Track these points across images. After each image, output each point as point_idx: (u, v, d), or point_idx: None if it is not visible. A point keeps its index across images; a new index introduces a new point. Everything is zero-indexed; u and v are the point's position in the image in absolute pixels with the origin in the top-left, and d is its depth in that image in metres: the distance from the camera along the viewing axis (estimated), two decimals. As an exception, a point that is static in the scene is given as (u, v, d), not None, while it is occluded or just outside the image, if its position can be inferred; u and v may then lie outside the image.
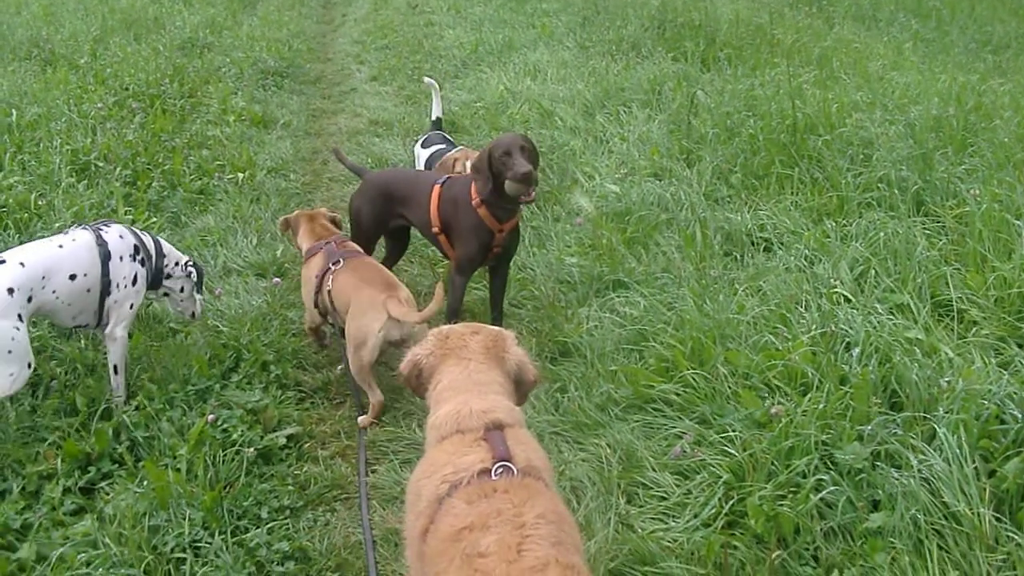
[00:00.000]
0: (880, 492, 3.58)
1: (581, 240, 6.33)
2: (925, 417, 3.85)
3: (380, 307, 4.54)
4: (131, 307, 4.65)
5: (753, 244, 5.95)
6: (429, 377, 2.97)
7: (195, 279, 5.01)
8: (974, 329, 4.65)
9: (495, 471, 2.50)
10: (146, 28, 13.53)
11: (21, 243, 5.27)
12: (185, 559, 3.61)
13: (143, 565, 3.53)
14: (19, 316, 4.08)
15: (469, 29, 14.33)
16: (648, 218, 6.32)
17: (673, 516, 3.80)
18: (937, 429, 3.71)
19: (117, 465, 4.21)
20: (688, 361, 4.55)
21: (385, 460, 4.39)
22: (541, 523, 2.32)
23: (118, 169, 7.60)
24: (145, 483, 3.96)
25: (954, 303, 4.84)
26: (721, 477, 3.82)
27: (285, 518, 3.97)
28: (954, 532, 3.38)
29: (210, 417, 4.34)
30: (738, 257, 5.75)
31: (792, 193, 6.44)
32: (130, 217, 6.72)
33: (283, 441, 4.41)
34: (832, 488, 3.59)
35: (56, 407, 4.55)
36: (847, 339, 4.54)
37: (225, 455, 4.17)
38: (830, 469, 3.71)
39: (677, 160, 7.40)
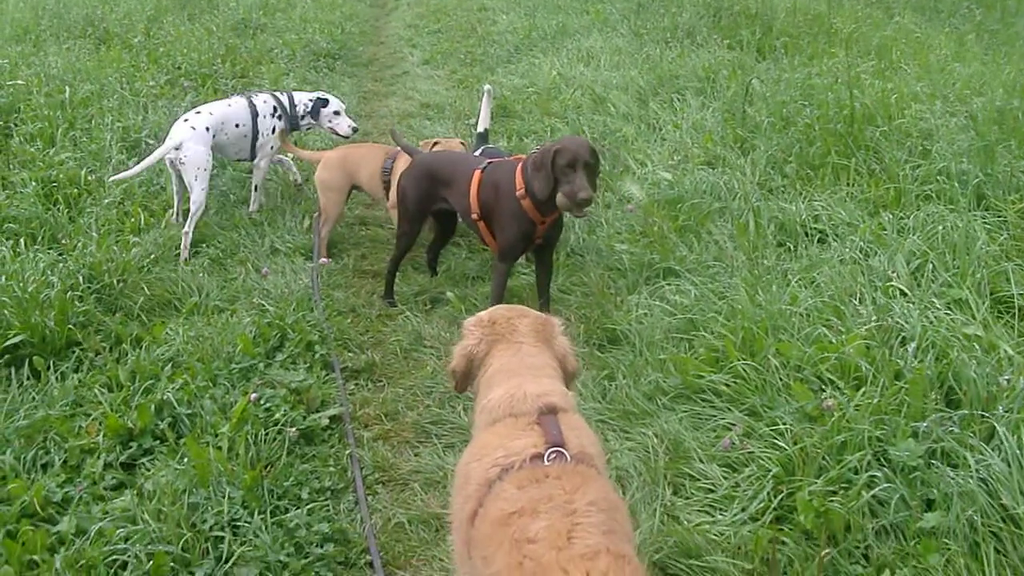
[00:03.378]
0: (935, 491, 3.47)
1: (632, 227, 6.26)
2: (983, 415, 3.73)
3: None
4: (271, 148, 6.97)
5: (807, 235, 5.82)
6: (479, 366, 2.92)
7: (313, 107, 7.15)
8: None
9: (547, 456, 2.44)
10: (200, 8, 13.59)
11: (70, 219, 5.86)
12: (223, 537, 3.59)
13: (181, 542, 3.51)
14: (209, 148, 6.43)
15: (523, 15, 14.25)
16: (700, 206, 6.22)
17: (720, 509, 3.73)
18: (996, 428, 3.59)
19: (159, 441, 4.19)
20: (739, 352, 4.47)
21: (428, 443, 4.35)
22: (592, 510, 2.26)
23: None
24: (185, 460, 3.95)
25: (1015, 300, 4.70)
26: (770, 471, 3.73)
27: (325, 499, 3.95)
28: (1012, 535, 3.28)
29: (253, 396, 4.33)
30: (791, 248, 5.63)
31: (848, 184, 6.31)
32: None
33: (325, 422, 4.38)
34: (885, 485, 3.49)
35: (101, 381, 4.56)
36: (902, 333, 4.43)
37: (267, 434, 4.15)
38: (883, 466, 3.61)
39: (731, 148, 7.29)
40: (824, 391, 4.11)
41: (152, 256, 5.90)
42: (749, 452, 3.86)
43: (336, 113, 7.17)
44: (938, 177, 5.97)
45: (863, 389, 4.00)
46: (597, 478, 2.45)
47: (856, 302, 4.80)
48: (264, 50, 11.53)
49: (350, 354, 5.11)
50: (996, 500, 3.39)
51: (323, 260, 5.87)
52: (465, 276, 5.96)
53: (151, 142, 7.64)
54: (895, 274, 5.01)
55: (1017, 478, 3.40)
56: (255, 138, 6.87)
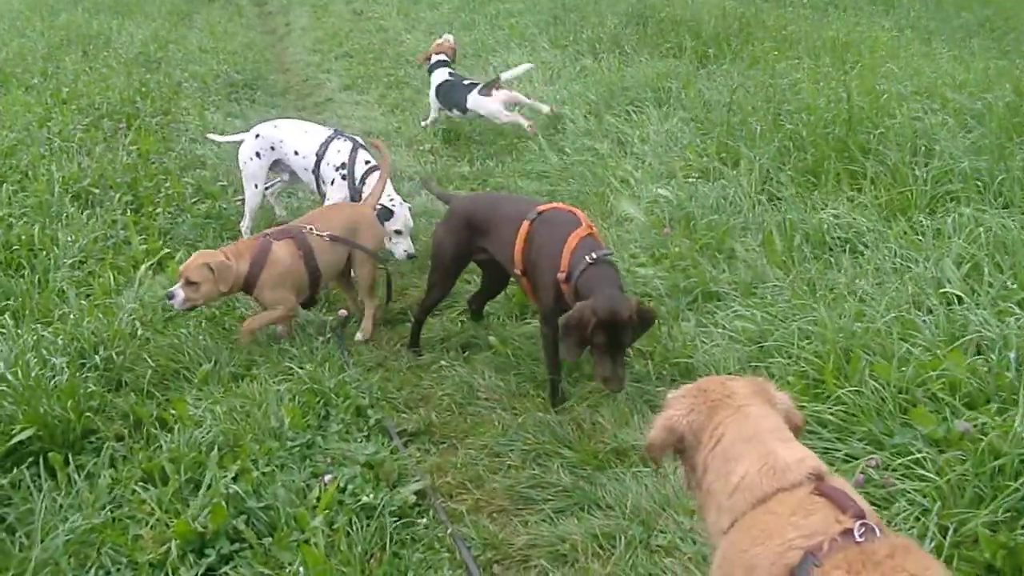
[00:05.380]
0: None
1: (648, 249, 6.02)
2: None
3: None
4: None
5: (830, 247, 5.69)
6: (696, 439, 2.62)
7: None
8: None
9: (858, 531, 2.17)
10: (93, 44, 12.86)
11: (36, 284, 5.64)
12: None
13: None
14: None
15: (427, 33, 13.97)
16: (718, 223, 6.03)
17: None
18: None
19: (238, 544, 3.69)
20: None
21: (532, 510, 3.99)
22: None
23: (118, 196, 7.08)
24: (273, 562, 3.52)
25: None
26: (923, 505, 3.53)
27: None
28: None
29: (327, 478, 3.94)
30: (828, 260, 5.48)
31: (852, 190, 6.22)
32: (145, 246, 6.25)
33: (413, 499, 3.98)
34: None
35: (137, 476, 4.06)
36: (986, 342, 4.32)
37: (359, 522, 3.74)
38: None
39: (716, 160, 7.15)
40: (938, 413, 3.94)
41: (144, 320, 5.37)
42: (896, 488, 3.65)
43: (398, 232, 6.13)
44: (949, 177, 5.92)
45: (1006, 410, 3.83)
46: (919, 550, 2.20)
47: (920, 312, 4.68)
48: (173, 84, 10.93)
49: (402, 415, 4.72)
50: None
51: (342, 312, 5.44)
52: (491, 315, 5.62)
53: (95, 191, 7.07)
54: (947, 280, 4.91)
55: None
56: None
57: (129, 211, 6.87)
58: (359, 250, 5.48)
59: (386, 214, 5.94)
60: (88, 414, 4.42)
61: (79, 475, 4.04)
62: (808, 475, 2.37)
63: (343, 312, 5.43)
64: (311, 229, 5.32)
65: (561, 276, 4.45)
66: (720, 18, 10.92)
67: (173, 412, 4.52)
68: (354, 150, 6.30)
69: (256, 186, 6.54)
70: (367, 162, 6.26)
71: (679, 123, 8.07)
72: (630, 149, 7.87)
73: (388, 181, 6.00)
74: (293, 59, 13.72)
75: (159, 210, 6.91)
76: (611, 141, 8.13)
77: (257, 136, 6.54)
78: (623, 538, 3.62)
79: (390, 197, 6.02)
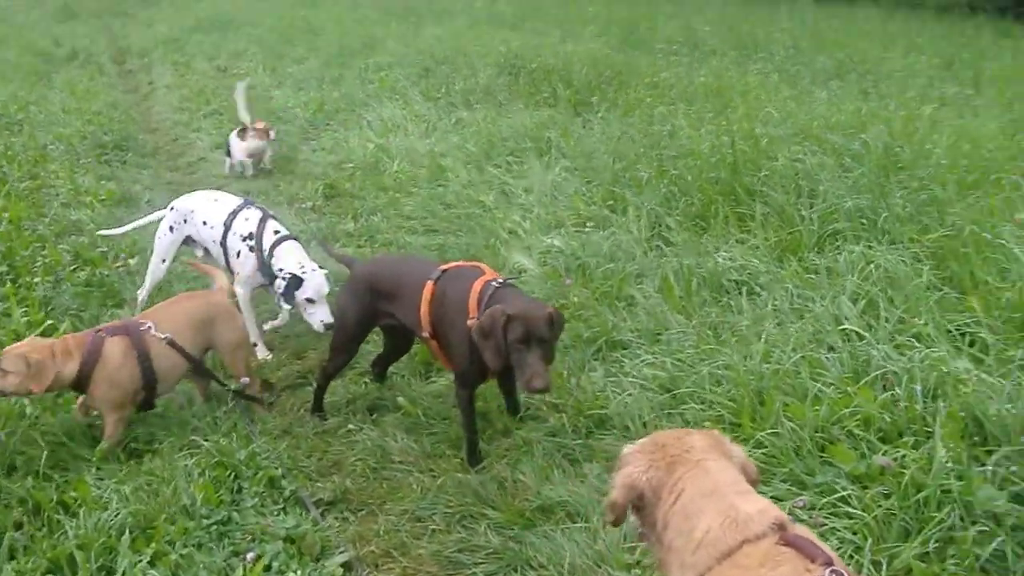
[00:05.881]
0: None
1: (547, 300, 5.98)
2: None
3: None
4: None
5: (727, 289, 5.78)
6: (656, 495, 2.57)
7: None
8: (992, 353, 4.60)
9: None
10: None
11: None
12: None
13: None
14: None
15: (296, 90, 13.85)
16: (614, 271, 6.07)
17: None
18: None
19: None
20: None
21: (464, 574, 3.87)
22: None
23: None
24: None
25: (966, 328, 4.80)
26: (854, 542, 3.57)
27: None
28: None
29: (250, 556, 3.75)
30: (725, 304, 5.56)
31: (741, 232, 6.35)
32: (27, 318, 5.91)
33: (340, 572, 3.81)
34: (999, 539, 3.39)
35: (43, 567, 3.77)
36: (889, 375, 4.42)
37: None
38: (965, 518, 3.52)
39: (604, 208, 7.22)
40: (856, 449, 4.00)
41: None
42: (827, 527, 3.67)
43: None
44: (834, 216, 6.10)
45: (903, 440, 3.92)
46: None
47: (823, 351, 4.77)
48: (39, 147, 10.50)
49: (316, 484, 4.52)
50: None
51: (245, 380, 5.21)
52: (394, 374, 5.50)
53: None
54: (844, 318, 5.03)
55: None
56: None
57: (8, 282, 6.51)
58: (218, 345, 5.14)
59: (295, 283, 5.54)
60: (-21, 503, 4.12)
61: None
62: (771, 525, 2.35)
63: (245, 380, 5.20)
64: (149, 327, 4.81)
65: (472, 322, 4.35)
66: (591, 66, 11.10)
67: (74, 495, 4.24)
68: (263, 220, 5.90)
69: (163, 261, 6.21)
70: (276, 232, 5.84)
71: (562, 172, 8.14)
72: (515, 200, 7.88)
73: (300, 247, 5.78)
74: (160, 118, 13.35)
75: (37, 279, 6.54)
76: (495, 192, 8.13)
77: (172, 209, 6.22)
78: (561, 598, 3.54)
79: (300, 264, 5.62)
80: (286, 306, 5.71)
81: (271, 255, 5.70)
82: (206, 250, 6.19)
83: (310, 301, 5.57)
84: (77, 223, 7.98)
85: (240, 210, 5.98)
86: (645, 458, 2.63)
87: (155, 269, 6.23)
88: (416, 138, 10.09)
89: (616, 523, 2.71)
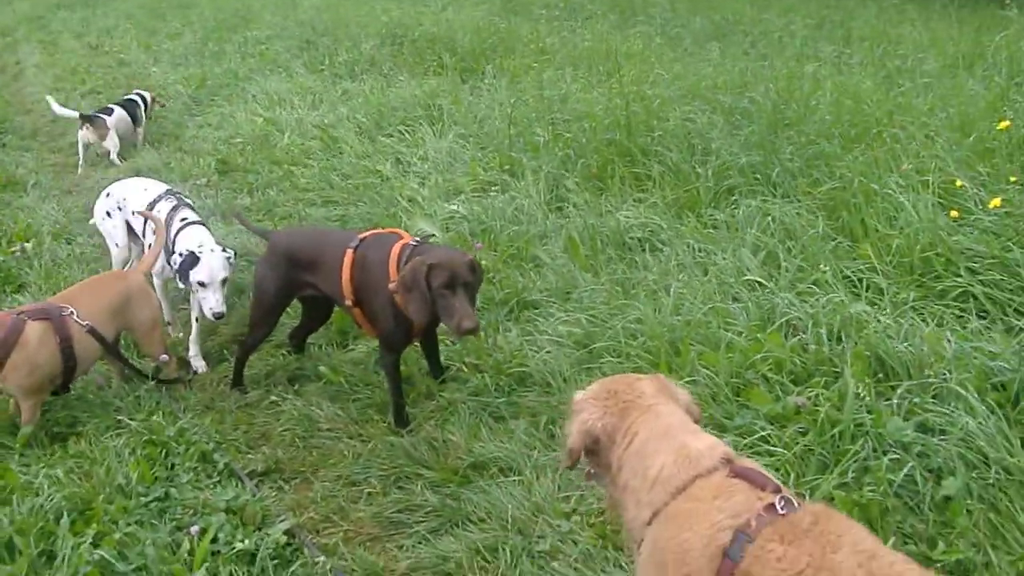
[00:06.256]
0: (937, 461, 3.64)
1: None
2: (930, 383, 3.97)
3: None
4: None
5: (629, 247, 5.93)
6: (610, 440, 2.69)
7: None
8: (887, 296, 4.85)
9: (779, 505, 2.30)
10: None
11: None
12: None
13: None
14: None
15: (174, 65, 13.53)
16: (518, 233, 6.16)
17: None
18: (962, 392, 3.81)
19: None
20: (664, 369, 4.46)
21: (406, 534, 3.91)
22: (884, 548, 2.22)
23: None
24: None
25: (860, 275, 5.04)
26: (778, 477, 3.74)
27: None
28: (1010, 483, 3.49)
29: (194, 529, 3.74)
30: (631, 261, 5.71)
31: (638, 191, 6.51)
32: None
33: (284, 539, 3.80)
34: (910, 464, 3.59)
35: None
36: (793, 321, 4.64)
37: (240, 569, 3.58)
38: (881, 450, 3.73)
39: (501, 172, 7.30)
40: (771, 392, 4.19)
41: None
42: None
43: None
44: (728, 173, 6.30)
45: (813, 380, 4.13)
46: (837, 513, 2.35)
47: (730, 302, 4.96)
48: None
49: (247, 456, 4.52)
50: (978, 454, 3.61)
51: (164, 357, 5.14)
52: (312, 344, 5.50)
53: None
54: (746, 269, 5.24)
55: (990, 431, 3.64)
56: None
57: None
58: (133, 327, 5.08)
59: (190, 261, 5.14)
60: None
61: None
62: (720, 460, 2.49)
63: (164, 357, 5.13)
64: (71, 312, 4.70)
65: (394, 286, 4.36)
66: (475, 34, 11.13)
67: (1, 482, 4.15)
68: (174, 209, 5.66)
69: (117, 244, 6.07)
70: (183, 219, 5.54)
71: (456, 139, 8.19)
72: (411, 168, 7.91)
73: (207, 233, 5.50)
74: (34, 99, 12.83)
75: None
76: (390, 161, 8.13)
77: (108, 195, 6.10)
78: (505, 549, 3.63)
79: (199, 242, 5.28)
80: (181, 286, 5.36)
81: (175, 240, 5.46)
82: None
83: (201, 284, 5.11)
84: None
85: (158, 201, 5.79)
86: (599, 405, 2.73)
87: (117, 254, 6.11)
88: (304, 111, 9.99)
89: (572, 467, 2.81)
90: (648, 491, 2.52)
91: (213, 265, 5.13)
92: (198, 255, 5.16)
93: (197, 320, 5.50)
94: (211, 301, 5.10)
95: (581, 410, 2.75)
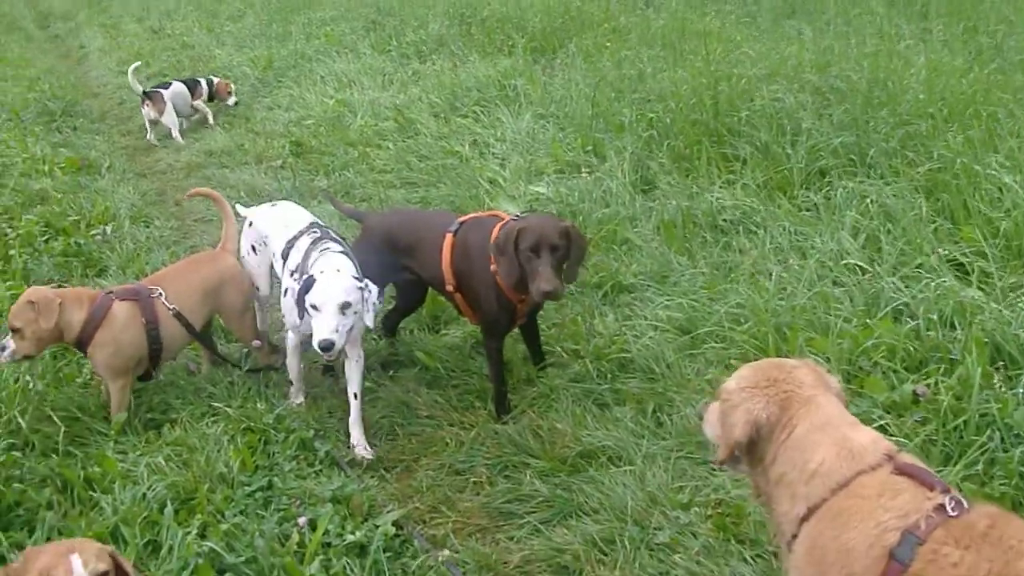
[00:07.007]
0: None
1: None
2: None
3: None
4: None
5: (723, 230, 5.84)
6: (769, 431, 2.60)
7: None
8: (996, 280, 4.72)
9: (950, 506, 2.23)
10: None
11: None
12: None
13: None
14: None
15: (237, 47, 13.58)
16: (608, 215, 6.09)
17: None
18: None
19: None
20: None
21: (518, 524, 3.86)
22: None
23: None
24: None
25: (963, 260, 4.92)
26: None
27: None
28: None
29: (302, 520, 3.71)
30: (726, 244, 5.62)
31: (727, 172, 6.41)
32: (11, 292, 5.72)
33: (393, 530, 3.75)
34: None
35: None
36: (900, 307, 4.54)
37: (353, 562, 3.54)
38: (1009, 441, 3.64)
39: (583, 153, 7.23)
40: (886, 379, 4.10)
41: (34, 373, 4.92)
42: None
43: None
44: (820, 153, 6.18)
45: (928, 368, 4.03)
46: (1014, 516, 2.28)
47: (834, 286, 4.87)
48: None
49: (346, 445, 4.49)
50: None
51: (256, 343, 5.12)
52: (403, 329, 5.45)
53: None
54: (847, 253, 5.13)
55: None
56: None
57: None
58: (224, 311, 4.99)
59: (307, 285, 4.26)
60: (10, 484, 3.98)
61: (16, 554, 3.65)
62: (884, 455, 2.41)
63: (256, 343, 5.12)
64: (160, 294, 4.64)
65: (495, 268, 4.35)
66: (545, 13, 11.02)
67: (98, 470, 4.14)
68: (314, 243, 4.67)
69: (259, 289, 5.20)
70: (324, 249, 4.60)
71: (533, 119, 8.11)
72: (489, 149, 7.85)
73: (346, 260, 4.56)
74: (100, 83, 12.98)
75: (13, 252, 6.36)
76: (468, 143, 8.08)
77: (250, 224, 5.17)
78: (622, 541, 3.57)
79: (323, 269, 4.35)
80: (298, 322, 4.51)
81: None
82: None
83: (314, 308, 4.20)
84: (40, 192, 7.77)
85: (298, 237, 4.79)
86: (761, 394, 2.64)
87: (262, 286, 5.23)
88: (375, 92, 9.96)
89: (728, 460, 2.73)
90: (805, 484, 2.46)
91: (329, 289, 4.20)
92: (315, 277, 4.31)
93: (356, 396, 4.53)
94: (323, 330, 4.14)
95: (741, 400, 2.65)
